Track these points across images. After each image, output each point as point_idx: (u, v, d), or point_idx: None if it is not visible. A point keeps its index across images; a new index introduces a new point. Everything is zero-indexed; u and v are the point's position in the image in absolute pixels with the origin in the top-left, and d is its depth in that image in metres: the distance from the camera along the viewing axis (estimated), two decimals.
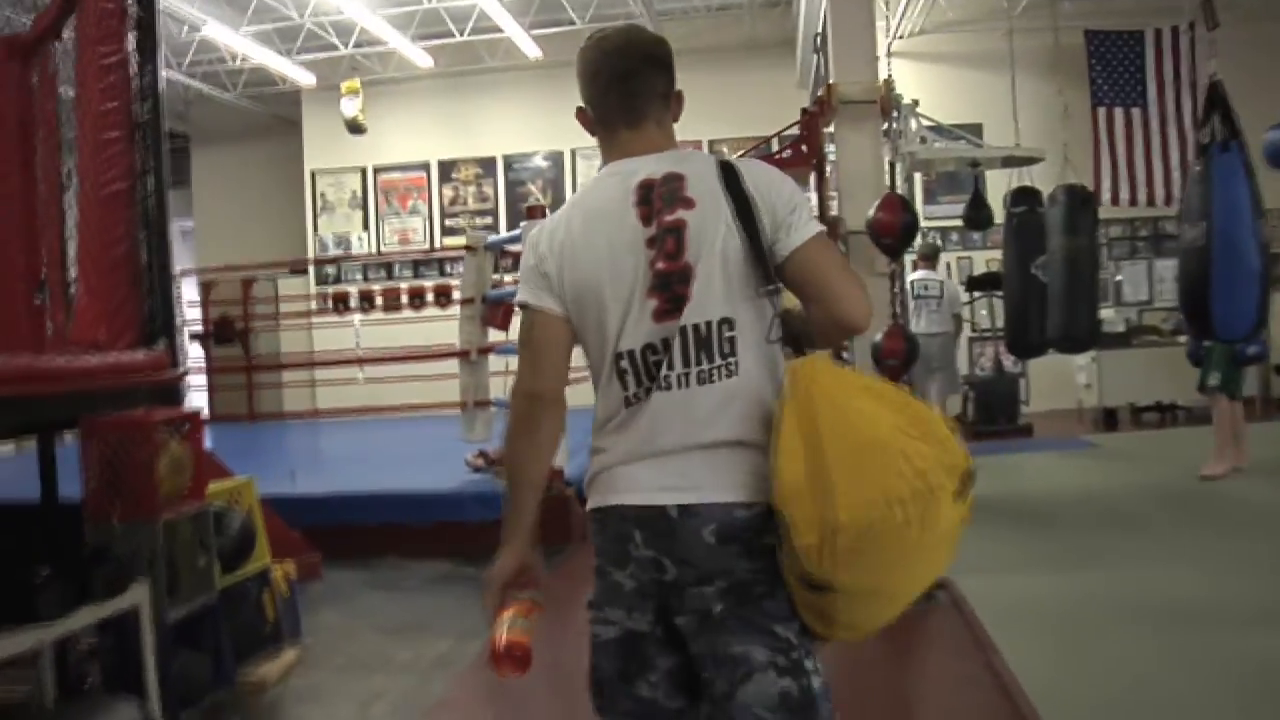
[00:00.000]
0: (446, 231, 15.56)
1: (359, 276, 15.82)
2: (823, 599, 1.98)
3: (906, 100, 7.46)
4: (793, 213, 2.10)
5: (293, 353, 15.42)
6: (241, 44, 13.59)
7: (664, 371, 2.06)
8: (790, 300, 2.16)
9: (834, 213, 7.64)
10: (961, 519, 1.95)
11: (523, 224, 7.45)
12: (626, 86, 2.20)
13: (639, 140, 2.21)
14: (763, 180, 2.12)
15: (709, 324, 2.05)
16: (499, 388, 8.17)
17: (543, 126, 15.17)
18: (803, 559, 1.92)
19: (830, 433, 1.92)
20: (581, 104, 2.29)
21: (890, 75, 7.37)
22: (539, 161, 15.44)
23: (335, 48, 14.32)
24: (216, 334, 16.61)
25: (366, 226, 15.91)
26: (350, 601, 6.36)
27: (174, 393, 5.08)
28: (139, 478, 4.24)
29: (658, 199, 2.10)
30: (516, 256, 8.16)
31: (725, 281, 2.06)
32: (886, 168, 7.59)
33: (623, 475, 2.09)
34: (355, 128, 13.81)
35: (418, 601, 6.33)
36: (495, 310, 7.83)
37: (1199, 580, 5.47)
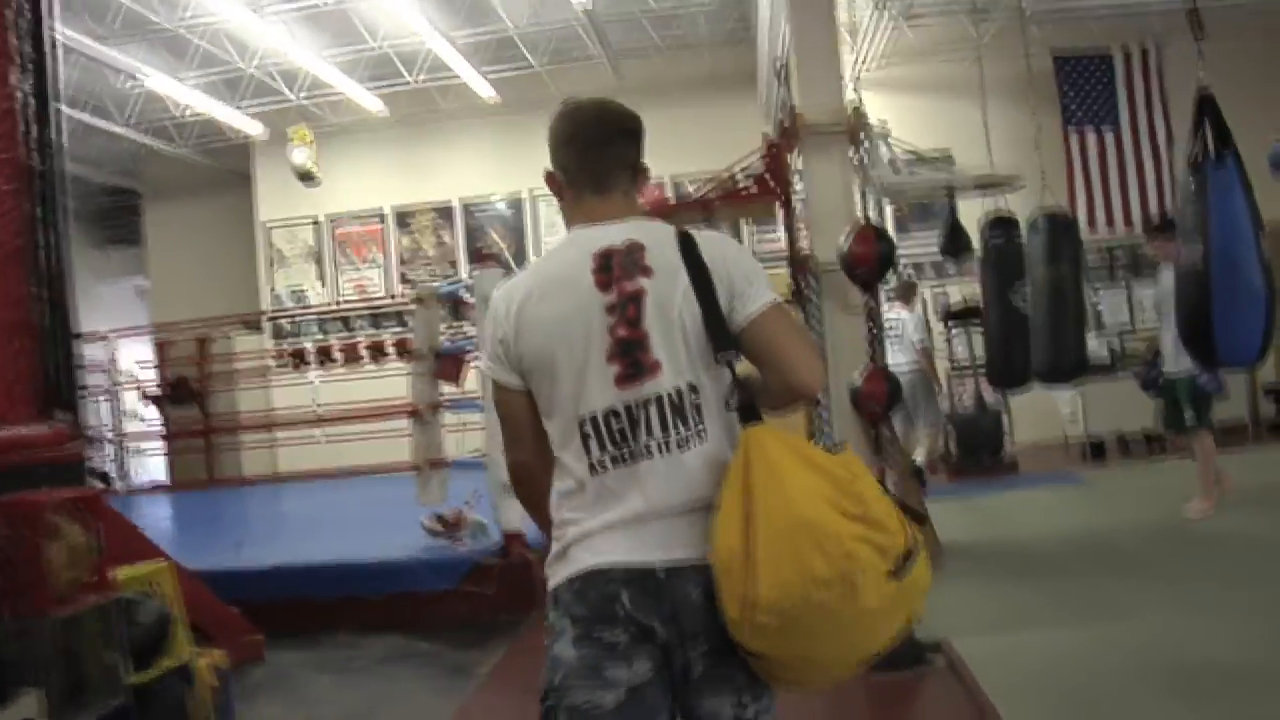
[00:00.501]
0: (405, 281, 15.07)
1: (316, 331, 15.31)
2: (758, 662, 2.09)
3: (875, 124, 7.05)
4: (749, 284, 2.18)
5: (250, 412, 14.88)
6: (187, 95, 13.16)
7: (643, 439, 2.13)
8: (746, 367, 2.20)
9: (804, 248, 7.21)
10: (896, 596, 2.01)
11: (474, 272, 6.99)
12: (598, 154, 2.30)
13: (604, 206, 2.28)
14: (719, 252, 2.21)
15: (679, 391, 2.14)
16: (455, 446, 7.70)
17: (501, 170, 14.82)
18: (731, 627, 2.03)
19: (764, 509, 1.99)
20: (550, 168, 2.37)
21: (859, 100, 6.95)
22: (499, 206, 15.04)
23: (284, 96, 13.86)
24: (173, 395, 16.10)
25: (322, 279, 15.44)
26: (293, 689, 5.84)
27: (76, 470, 4.58)
28: (28, 569, 3.75)
29: (618, 267, 2.17)
30: (466, 305, 7.71)
31: (685, 349, 2.15)
32: (857, 198, 7.18)
33: (604, 540, 2.13)
34: (307, 177, 13.36)
35: (367, 685, 5.81)
36: (448, 363, 7.37)
37: (1221, 634, 4.97)
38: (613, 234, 2.22)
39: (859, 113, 6.80)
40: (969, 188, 8.20)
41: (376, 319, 15.06)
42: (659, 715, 2.13)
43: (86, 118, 13.69)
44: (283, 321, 15.50)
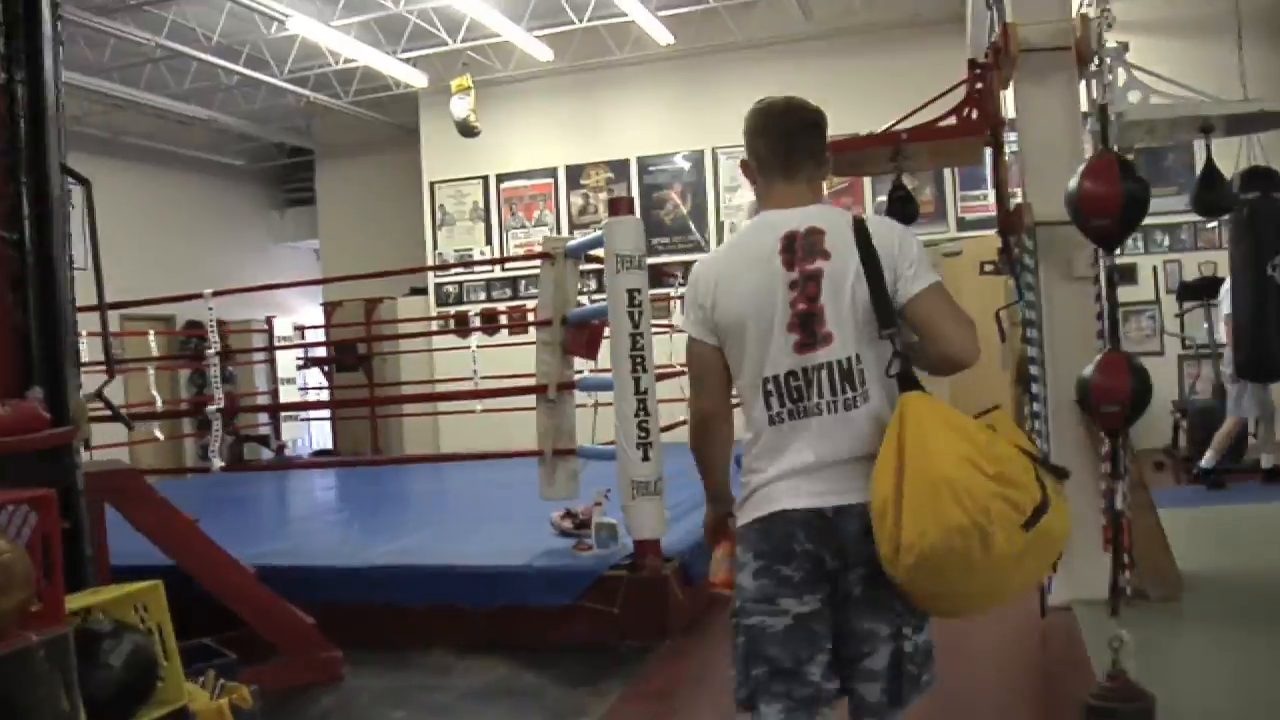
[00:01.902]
0: None
1: (482, 295, 14.48)
2: (908, 594, 2.42)
3: (1111, 44, 5.58)
4: (911, 266, 2.51)
5: (412, 382, 14.15)
6: (340, 41, 12.34)
7: (814, 399, 2.52)
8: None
9: (1015, 198, 5.82)
10: (1031, 545, 2.31)
11: (605, 222, 5.85)
12: (786, 145, 2.63)
13: (791, 193, 2.63)
14: (888, 238, 2.54)
15: (848, 359, 2.51)
16: (586, 433, 6.59)
17: (680, 123, 13.68)
18: (882, 563, 2.37)
19: (912, 465, 2.34)
20: (745, 158, 2.74)
21: (1095, 6, 5.48)
22: (678, 162, 13.87)
23: (444, 42, 12.96)
24: (339, 360, 15.59)
25: (489, 240, 14.55)
26: None
27: (53, 460, 3.63)
28: None
29: (800, 249, 2.53)
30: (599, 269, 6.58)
31: (854, 323, 2.51)
32: (1086, 136, 5.75)
33: (783, 487, 2.52)
34: (467, 129, 12.47)
35: None
36: (579, 334, 6.25)
37: None
38: (797, 219, 2.56)
39: (1090, 23, 5.36)
40: (1227, 121, 6.57)
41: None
42: (820, 641, 2.50)
43: (242, 69, 13.10)
44: (448, 286, 14.72)
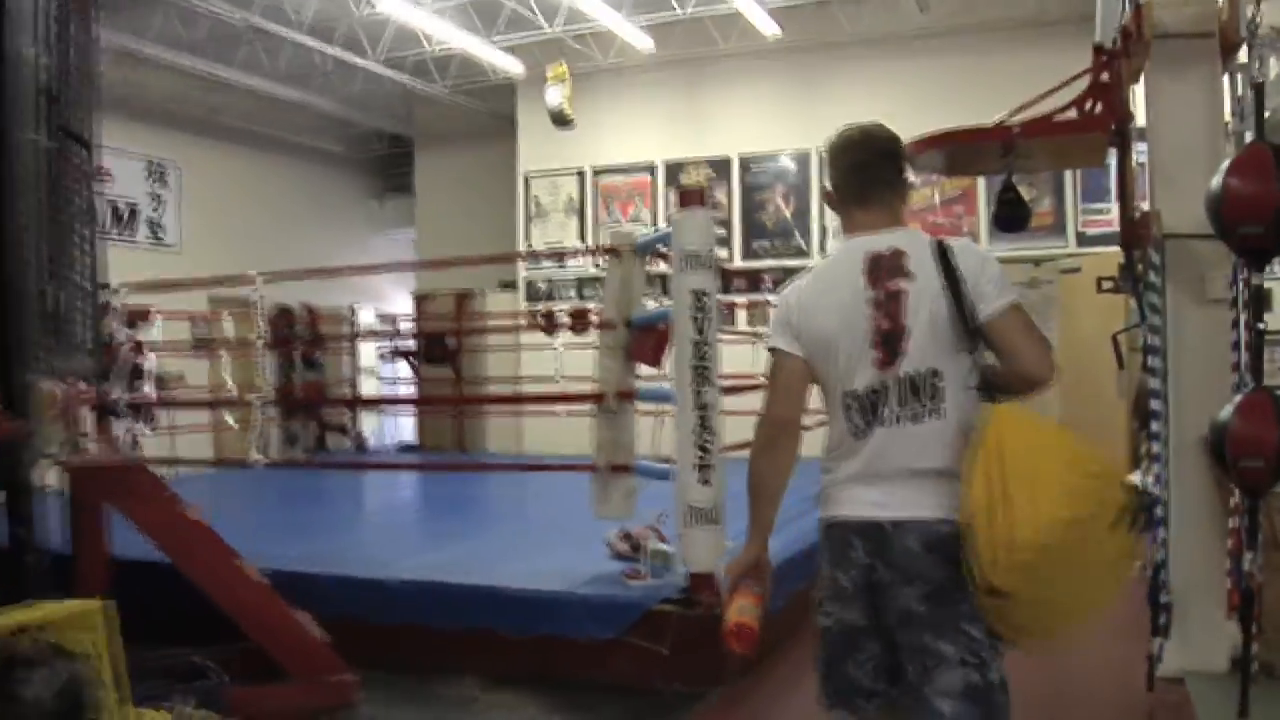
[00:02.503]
0: None
1: (572, 293, 13.95)
2: (1002, 604, 2.44)
3: (1267, 30, 4.83)
4: (992, 286, 2.61)
5: (497, 378, 13.70)
6: (434, 25, 11.92)
7: (883, 411, 2.62)
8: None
9: (1143, 205, 5.10)
10: (1122, 548, 2.49)
11: (672, 215, 5.25)
12: (860, 175, 2.79)
13: (867, 218, 2.77)
14: (970, 260, 2.65)
15: (920, 374, 2.61)
16: (648, 446, 5.99)
17: (786, 120, 13.03)
18: (986, 570, 2.40)
19: (1014, 466, 2.42)
20: (827, 185, 2.91)
21: None
22: (782, 162, 13.19)
23: (541, 29, 12.47)
24: (427, 352, 15.22)
25: (583, 235, 14.02)
26: None
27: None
28: None
29: (884, 270, 2.65)
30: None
31: (934, 340, 2.61)
32: (1229, 137, 5.02)
33: (846, 493, 2.67)
34: (561, 119, 11.97)
35: None
36: (645, 339, 5.65)
37: None
38: (881, 242, 2.70)
39: (1238, 5, 4.62)
40: None
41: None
42: (863, 644, 2.64)
43: (335, 50, 12.75)
44: (538, 282, 14.25)
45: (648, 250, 5.79)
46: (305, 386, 15.82)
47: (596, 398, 5.79)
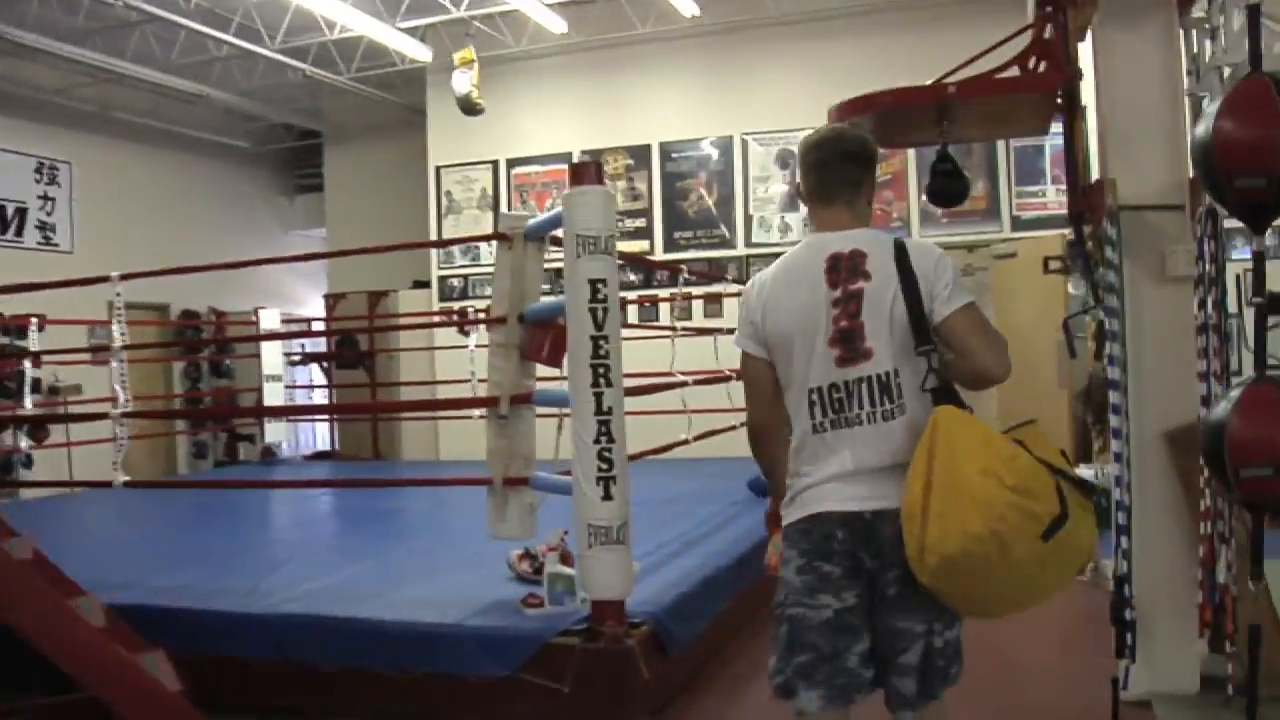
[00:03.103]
0: None
1: (488, 290, 13.21)
2: (936, 594, 2.62)
3: None
4: (947, 288, 2.70)
5: (411, 383, 13.02)
6: (329, 6, 11.14)
7: (855, 410, 2.72)
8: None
9: (1094, 174, 4.53)
10: (1049, 554, 2.53)
11: (565, 193, 4.59)
12: (821, 175, 2.88)
13: (830, 217, 2.86)
14: (925, 261, 2.73)
15: (886, 374, 2.71)
16: (548, 452, 5.33)
17: (708, 106, 12.48)
18: (911, 564, 2.58)
19: (939, 474, 2.54)
20: (797, 182, 2.99)
21: None
22: (705, 149, 12.57)
23: (447, 11, 11.76)
24: (339, 356, 14.50)
25: (498, 230, 13.25)
26: None
27: None
28: None
29: (844, 269, 2.74)
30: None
31: (892, 340, 2.70)
32: (1184, 97, 4.47)
33: (826, 491, 2.74)
34: (469, 107, 11.26)
35: None
36: (540, 335, 5.00)
37: None
38: (843, 241, 2.78)
39: None
40: None
41: (558, 277, 12.83)
42: (858, 633, 2.72)
43: (231, 38, 11.95)
44: (452, 279, 13.53)
45: (541, 235, 5.13)
46: (214, 394, 15.11)
47: (487, 402, 5.13)
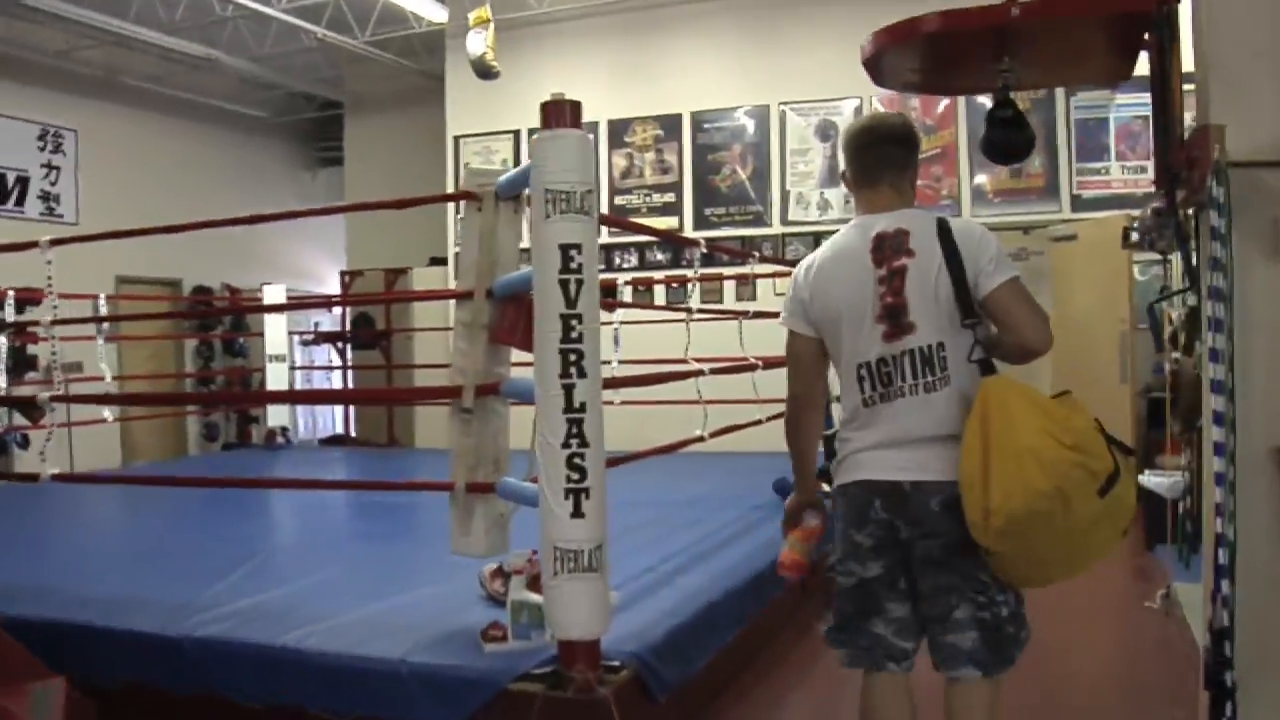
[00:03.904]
0: (618, 211, 11.93)
1: None
2: (995, 559, 2.73)
3: None
4: (991, 263, 2.81)
5: (428, 366, 12.21)
6: None
7: (899, 382, 2.84)
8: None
9: (1190, 121, 3.62)
10: (1104, 511, 2.67)
11: (534, 137, 3.74)
12: (867, 158, 3.01)
13: (875, 198, 2.98)
14: (969, 237, 2.85)
15: (930, 347, 2.82)
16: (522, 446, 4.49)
17: (743, 73, 11.58)
18: (972, 529, 2.67)
19: (997, 440, 2.62)
20: (844, 170, 3.13)
21: None
22: (739, 119, 11.66)
23: None
24: (355, 336, 13.77)
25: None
26: None
27: None
28: None
29: (888, 248, 2.86)
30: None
31: (937, 314, 2.82)
32: None
33: (869, 458, 2.88)
34: (484, 70, 10.38)
35: None
36: (511, 313, 4.15)
37: None
38: (885, 221, 2.90)
39: None
40: None
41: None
42: (879, 603, 2.88)
43: None
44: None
45: (516, 194, 4.28)
46: (226, 374, 14.43)
47: (449, 392, 4.29)
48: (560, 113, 3.66)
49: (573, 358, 3.48)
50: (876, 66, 4.05)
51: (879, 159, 2.99)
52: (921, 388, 2.82)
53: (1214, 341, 3.31)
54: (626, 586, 4.68)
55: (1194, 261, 3.60)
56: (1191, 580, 5.31)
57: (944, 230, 2.83)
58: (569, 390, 3.48)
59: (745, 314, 7.57)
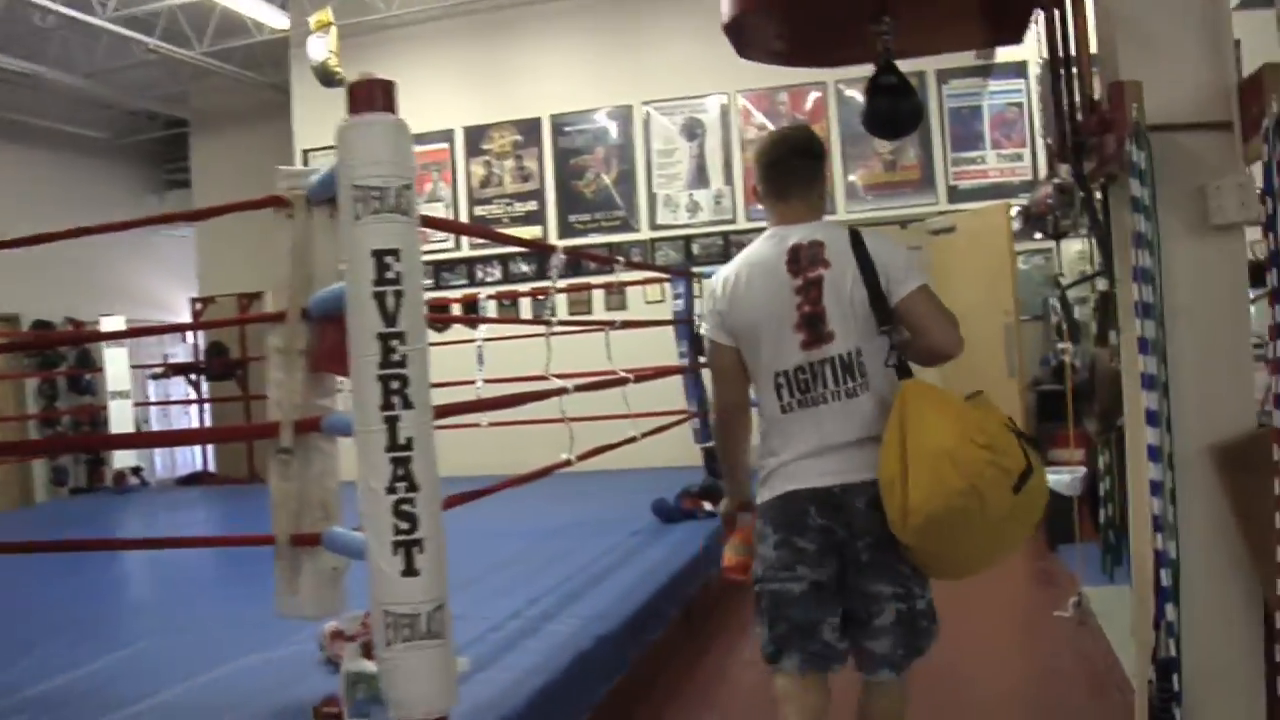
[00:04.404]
0: (479, 222, 11.30)
1: None
2: (914, 554, 2.84)
3: None
4: (901, 270, 2.91)
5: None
6: None
7: (820, 389, 2.92)
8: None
9: (1093, 91, 3.17)
10: (1018, 506, 2.75)
11: (342, 123, 3.11)
12: (775, 173, 3.10)
13: (786, 211, 3.07)
14: (881, 247, 2.95)
15: (849, 354, 2.90)
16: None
17: (603, 73, 11.05)
18: (892, 528, 2.76)
19: (913, 442, 2.72)
20: (755, 183, 3.19)
21: None
22: (601, 120, 11.12)
23: None
24: (208, 368, 12.93)
25: None
26: None
27: None
28: None
29: (804, 259, 2.95)
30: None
31: (854, 322, 2.90)
32: None
33: (796, 469, 2.92)
34: (328, 77, 9.68)
35: None
36: (326, 334, 3.54)
37: None
38: (800, 232, 2.98)
39: None
40: None
41: (439, 272, 11.35)
42: (831, 605, 2.90)
43: (60, 7, 10.30)
44: None
45: (331, 195, 3.66)
46: (74, 414, 13.46)
47: (266, 430, 3.67)
48: (369, 95, 3.05)
49: (395, 385, 2.88)
50: (739, 33, 3.56)
51: (787, 173, 3.06)
52: (844, 394, 2.90)
53: (1143, 329, 2.86)
54: (488, 639, 4.13)
55: (1105, 241, 3.17)
56: (1101, 583, 5.00)
57: (857, 240, 2.93)
58: (392, 424, 2.87)
59: (612, 324, 7.03)
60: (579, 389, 5.57)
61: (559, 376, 5.58)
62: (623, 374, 6.30)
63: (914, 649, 2.93)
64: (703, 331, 3.18)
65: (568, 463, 5.64)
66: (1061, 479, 6.64)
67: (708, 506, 6.74)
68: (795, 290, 2.92)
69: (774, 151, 3.10)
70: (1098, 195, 3.33)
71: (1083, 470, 6.66)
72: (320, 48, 9.62)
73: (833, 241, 2.93)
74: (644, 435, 6.87)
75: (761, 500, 3.01)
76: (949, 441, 2.69)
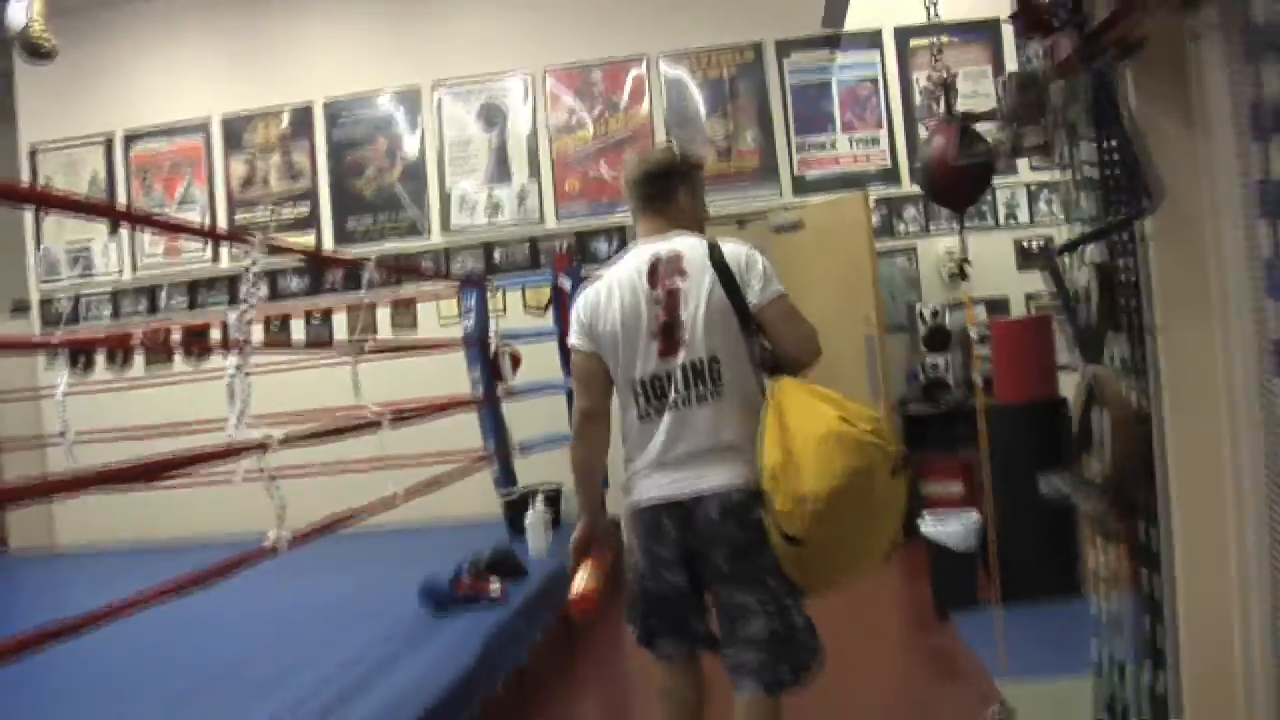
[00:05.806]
0: (242, 229, 9.61)
1: (108, 312, 9.85)
2: (798, 551, 2.89)
3: None
4: (758, 280, 3.11)
5: (13, 438, 9.50)
6: None
7: (671, 395, 3.07)
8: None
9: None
10: (891, 492, 2.93)
11: None
12: (638, 192, 3.35)
13: (650, 224, 3.32)
14: (737, 258, 3.15)
15: (701, 361, 3.07)
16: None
17: (384, 48, 9.66)
18: (782, 521, 2.86)
19: (799, 430, 2.89)
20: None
21: None
22: (383, 105, 9.62)
23: None
24: None
25: (116, 230, 9.92)
26: None
27: None
28: None
29: (663, 270, 3.16)
30: None
31: (710, 328, 3.07)
32: None
33: (648, 481, 3.10)
34: (32, 47, 7.94)
35: None
36: None
37: None
38: (662, 246, 3.21)
39: None
40: None
41: (196, 291, 9.62)
42: (694, 602, 3.14)
43: None
44: (59, 300, 10.04)
45: None
46: None
47: None
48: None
49: None
50: None
51: (647, 191, 3.32)
52: (694, 399, 3.07)
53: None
54: None
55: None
56: (1017, 673, 4.31)
57: (715, 252, 3.15)
58: None
59: (362, 349, 5.55)
60: (291, 439, 3.98)
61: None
62: (373, 412, 4.77)
63: (796, 666, 3.03)
64: (570, 341, 3.26)
65: (347, 517, 4.11)
66: (949, 530, 5.37)
67: (495, 588, 5.17)
68: (654, 301, 3.14)
69: (634, 172, 3.37)
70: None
71: (975, 516, 5.41)
72: (19, 12, 7.90)
73: (691, 253, 3.17)
74: (409, 491, 5.24)
75: (626, 502, 3.21)
76: (836, 425, 2.88)
